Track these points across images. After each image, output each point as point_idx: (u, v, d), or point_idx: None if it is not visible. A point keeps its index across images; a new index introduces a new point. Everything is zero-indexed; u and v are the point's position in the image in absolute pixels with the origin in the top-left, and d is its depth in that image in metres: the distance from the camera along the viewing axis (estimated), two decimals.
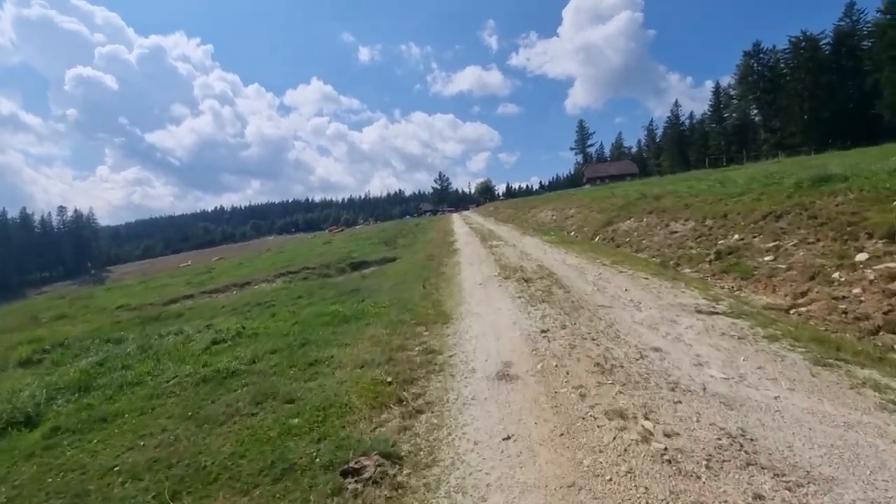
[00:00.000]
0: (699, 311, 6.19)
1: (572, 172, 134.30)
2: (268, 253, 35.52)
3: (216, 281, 18.20)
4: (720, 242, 9.44)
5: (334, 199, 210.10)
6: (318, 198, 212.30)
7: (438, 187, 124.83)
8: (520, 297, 7.87)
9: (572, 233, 18.35)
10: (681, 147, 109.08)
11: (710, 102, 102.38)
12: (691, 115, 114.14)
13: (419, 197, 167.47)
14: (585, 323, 6.08)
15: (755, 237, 8.71)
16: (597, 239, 15.42)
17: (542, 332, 5.88)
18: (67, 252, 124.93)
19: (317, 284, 12.66)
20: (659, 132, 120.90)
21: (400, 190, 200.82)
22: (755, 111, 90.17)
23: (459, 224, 34.06)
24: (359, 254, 21.60)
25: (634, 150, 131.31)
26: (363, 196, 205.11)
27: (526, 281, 9.18)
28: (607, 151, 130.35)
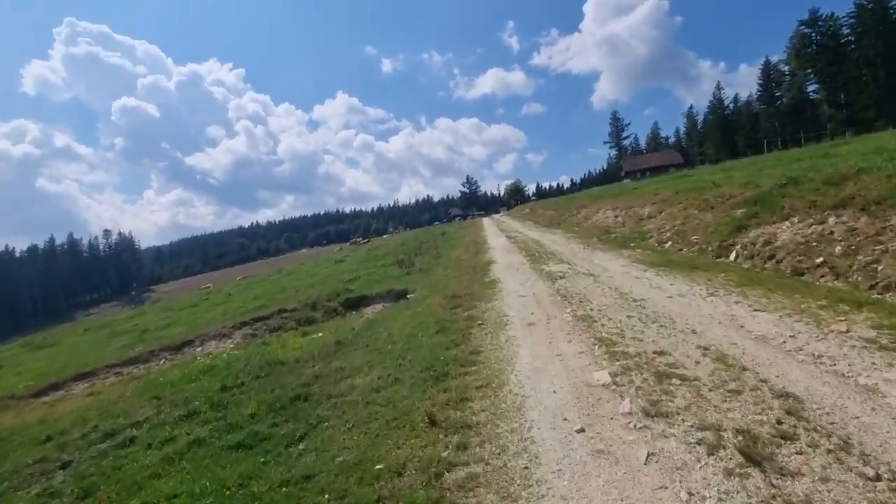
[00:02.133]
0: None
1: (606, 167, 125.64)
2: (268, 277, 30.57)
3: (162, 337, 12.92)
4: None
5: (364, 209, 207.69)
6: (348, 209, 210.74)
7: (467, 191, 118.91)
8: None
9: (667, 243, 12.00)
10: (726, 132, 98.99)
11: (758, 82, 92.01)
12: (735, 99, 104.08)
13: (448, 202, 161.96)
14: None
15: None
16: (732, 256, 9.05)
17: None
18: (113, 274, 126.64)
19: (255, 368, 6.96)
20: (700, 119, 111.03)
21: (428, 196, 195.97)
22: (814, 87, 80.00)
23: (493, 232, 27.97)
24: (362, 281, 15.96)
25: (672, 139, 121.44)
26: (392, 204, 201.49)
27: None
28: (643, 143, 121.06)
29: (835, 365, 3.91)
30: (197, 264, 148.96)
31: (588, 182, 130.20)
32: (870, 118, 57.47)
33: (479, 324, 6.91)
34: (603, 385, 4.08)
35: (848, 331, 4.54)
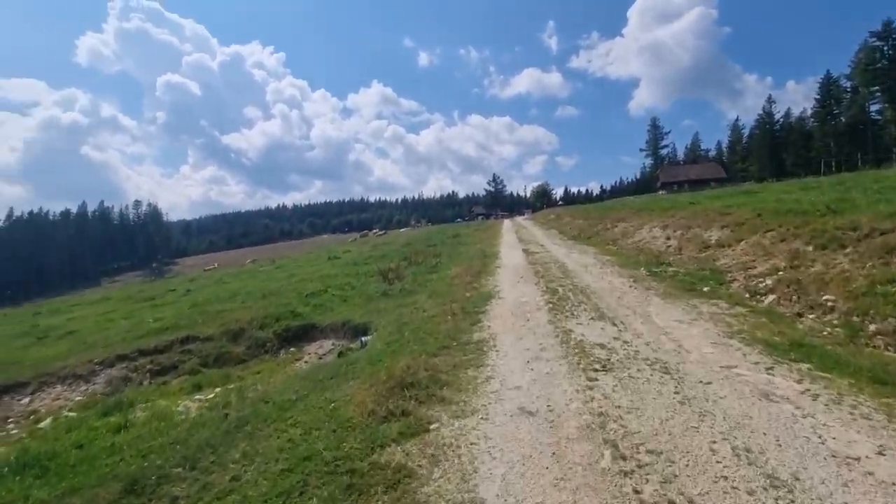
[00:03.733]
0: None
1: (638, 177, 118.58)
2: (254, 269, 27.01)
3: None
4: None
5: (389, 199, 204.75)
6: (373, 198, 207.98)
7: (492, 190, 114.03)
8: None
9: (767, 297, 7.42)
10: (774, 149, 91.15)
11: (816, 97, 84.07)
12: (787, 114, 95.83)
13: (472, 199, 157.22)
14: None
15: None
16: None
17: None
18: (140, 244, 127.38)
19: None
20: (745, 133, 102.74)
21: (453, 192, 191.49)
22: (880, 105, 72.11)
23: (510, 241, 23.51)
24: (327, 296, 11.95)
25: (713, 152, 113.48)
26: (417, 197, 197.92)
27: None
28: (680, 154, 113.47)
29: None
30: (221, 241, 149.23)
31: (619, 190, 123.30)
32: None
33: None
34: None
35: None
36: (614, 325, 6.58)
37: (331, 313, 10.34)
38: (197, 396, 6.88)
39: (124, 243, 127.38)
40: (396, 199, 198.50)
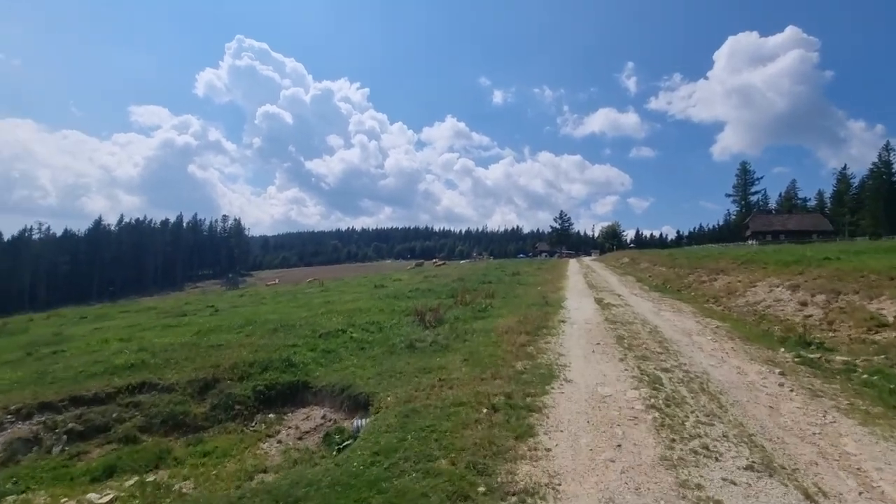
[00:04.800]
0: None
1: (723, 223, 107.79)
2: (299, 290, 25.59)
3: None
4: None
5: (453, 229, 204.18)
6: (438, 227, 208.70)
7: (558, 227, 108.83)
8: None
9: None
10: (891, 202, 78.41)
11: None
12: None
13: (537, 235, 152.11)
14: None
15: None
16: None
17: None
18: (223, 255, 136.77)
19: None
20: (855, 183, 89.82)
21: (518, 227, 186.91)
22: None
23: (579, 286, 19.94)
24: (336, 343, 9.40)
25: (812, 202, 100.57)
26: (481, 229, 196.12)
27: None
28: (772, 202, 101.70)
29: None
30: (293, 257, 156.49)
31: (699, 237, 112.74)
32: None
33: None
34: None
35: None
36: (802, 492, 3.26)
37: (336, 366, 7.74)
38: (94, 496, 4.50)
39: (210, 253, 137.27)
40: (460, 230, 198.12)
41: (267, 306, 17.73)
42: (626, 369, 6.40)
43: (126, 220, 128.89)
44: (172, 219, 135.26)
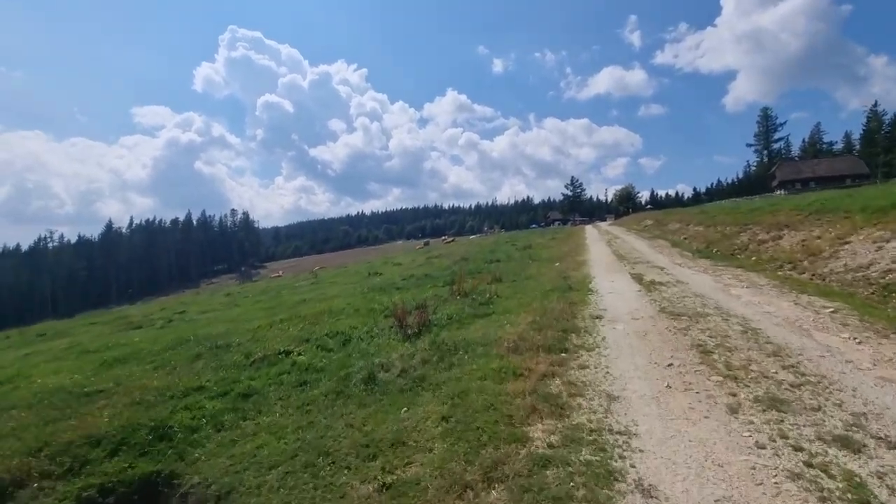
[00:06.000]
0: None
1: (744, 175, 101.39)
2: (288, 283, 22.78)
3: None
4: None
5: (463, 205, 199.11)
6: (447, 204, 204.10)
7: (570, 193, 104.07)
8: None
9: None
10: None
11: None
12: None
13: (548, 205, 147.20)
14: None
15: None
16: None
17: None
18: (235, 249, 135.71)
19: None
20: (887, 120, 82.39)
21: (528, 197, 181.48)
22: None
23: (604, 258, 16.53)
24: (265, 380, 6.33)
25: (838, 146, 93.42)
26: (491, 203, 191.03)
27: None
28: (795, 150, 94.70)
29: None
30: (305, 246, 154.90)
31: (717, 192, 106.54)
32: None
33: None
34: None
35: None
36: None
37: (238, 432, 4.73)
38: None
39: (223, 248, 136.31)
40: (470, 206, 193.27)
41: (234, 311, 14.88)
42: (756, 445, 3.16)
43: (137, 221, 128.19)
44: (182, 217, 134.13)
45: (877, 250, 8.86)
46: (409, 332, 7.85)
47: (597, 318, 7.00)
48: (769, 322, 6.03)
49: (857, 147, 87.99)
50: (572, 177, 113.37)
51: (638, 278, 10.40)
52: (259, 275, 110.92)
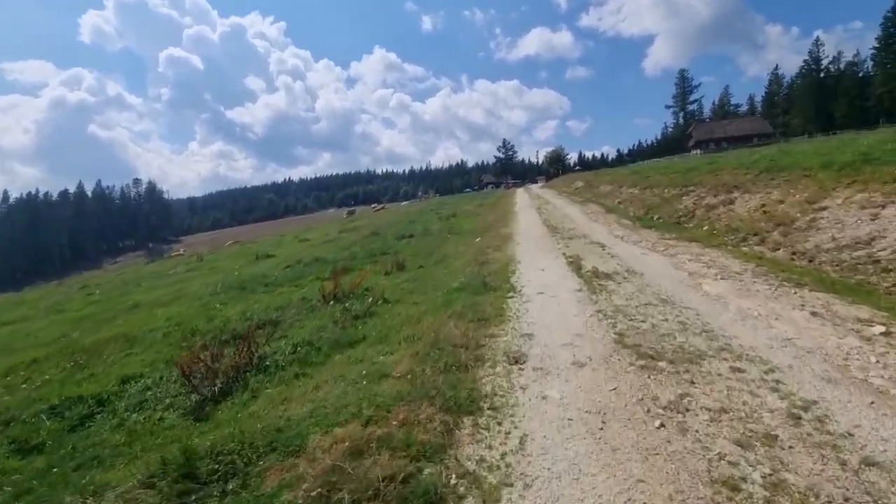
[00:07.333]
0: None
1: (662, 136, 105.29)
2: (206, 261, 18.13)
3: None
4: None
5: (396, 170, 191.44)
6: (380, 169, 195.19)
7: (502, 156, 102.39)
8: None
9: None
10: (821, 100, 77.67)
11: (876, 37, 69.77)
12: (836, 59, 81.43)
13: (482, 168, 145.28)
14: None
15: None
16: None
17: None
18: (142, 223, 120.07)
19: None
20: (785, 84, 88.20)
21: (462, 161, 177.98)
22: None
23: (535, 229, 13.89)
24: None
25: (744, 108, 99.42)
26: (425, 167, 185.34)
27: None
28: (706, 111, 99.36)
29: None
30: (225, 217, 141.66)
31: (639, 153, 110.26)
32: None
33: None
34: None
35: None
36: None
37: None
38: None
39: (127, 223, 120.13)
40: (404, 171, 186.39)
41: (32, 324, 10.42)
42: None
43: (17, 195, 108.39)
44: (73, 189, 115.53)
45: (872, 219, 6.69)
46: (200, 390, 4.44)
47: (514, 361, 4.00)
48: (810, 374, 3.35)
49: (760, 109, 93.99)
50: (504, 139, 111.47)
51: (575, 265, 7.64)
52: (171, 250, 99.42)
